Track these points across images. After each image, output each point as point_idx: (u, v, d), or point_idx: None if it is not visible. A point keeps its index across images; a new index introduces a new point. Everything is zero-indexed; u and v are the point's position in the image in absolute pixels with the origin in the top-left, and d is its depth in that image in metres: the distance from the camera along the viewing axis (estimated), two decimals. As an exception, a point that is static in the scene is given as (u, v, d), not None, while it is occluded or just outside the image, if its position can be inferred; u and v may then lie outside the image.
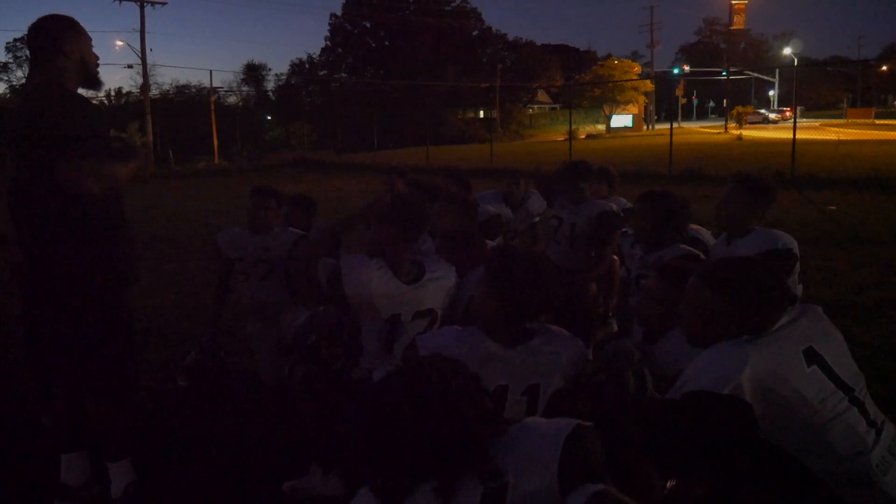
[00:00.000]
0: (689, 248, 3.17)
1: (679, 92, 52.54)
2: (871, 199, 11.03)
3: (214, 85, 45.77)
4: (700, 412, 1.65)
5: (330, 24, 55.11)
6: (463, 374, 1.28)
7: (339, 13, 54.72)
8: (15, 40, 47.26)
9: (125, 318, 2.66)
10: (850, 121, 44.83)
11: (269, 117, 47.95)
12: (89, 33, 2.62)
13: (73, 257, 2.47)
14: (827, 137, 24.72)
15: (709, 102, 76.21)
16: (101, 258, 2.52)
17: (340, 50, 55.32)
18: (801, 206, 10.43)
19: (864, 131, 33.06)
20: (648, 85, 50.70)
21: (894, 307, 5.13)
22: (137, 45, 29.90)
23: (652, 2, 62.23)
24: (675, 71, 45.90)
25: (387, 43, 53.72)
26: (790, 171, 14.06)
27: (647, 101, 53.84)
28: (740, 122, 42.33)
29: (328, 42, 55.25)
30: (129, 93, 43.93)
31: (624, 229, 4.15)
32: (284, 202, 3.91)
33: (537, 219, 5.01)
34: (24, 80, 2.71)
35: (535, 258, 2.06)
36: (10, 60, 48.20)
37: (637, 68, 56.95)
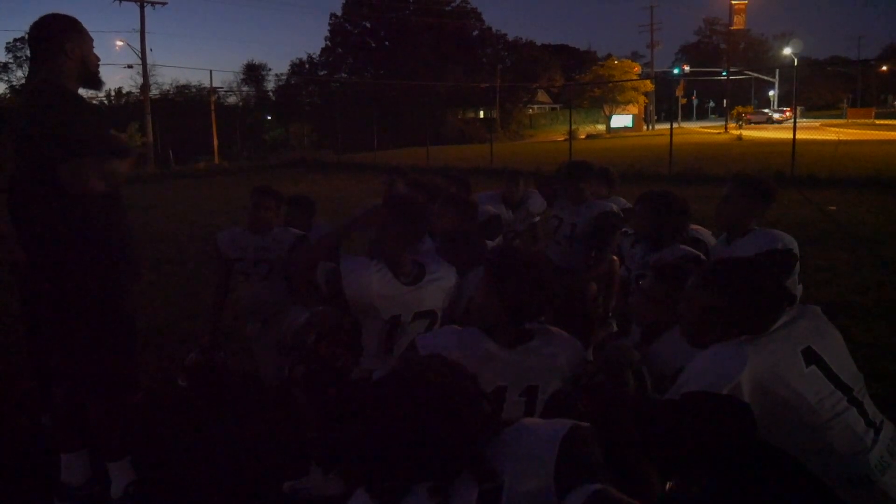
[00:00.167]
0: (689, 249, 3.17)
1: (679, 92, 52.56)
2: (871, 199, 11.03)
3: (214, 85, 45.80)
4: (699, 413, 1.65)
5: (330, 25, 55.18)
6: (460, 374, 1.28)
7: (339, 13, 54.81)
8: (15, 40, 47.37)
9: (125, 318, 2.66)
10: (850, 121, 44.85)
11: (269, 117, 47.92)
12: (90, 33, 2.62)
13: (74, 257, 2.47)
14: (827, 137, 24.74)
15: (709, 102, 76.21)
16: (101, 258, 2.52)
17: (340, 50, 55.33)
18: (801, 206, 10.43)
19: (864, 131, 33.08)
20: (648, 85, 50.71)
21: (894, 307, 5.13)
22: (137, 45, 30.00)
23: (652, 2, 62.21)
24: (675, 71, 45.88)
25: (387, 43, 53.72)
26: (790, 171, 14.07)
27: (647, 101, 53.85)
28: (740, 123, 42.32)
29: (328, 42, 55.30)
30: (129, 93, 44.01)
31: (624, 229, 4.16)
32: (284, 202, 3.91)
33: (537, 218, 5.01)
34: (24, 80, 2.71)
35: (535, 258, 2.06)
36: (10, 60, 48.30)
37: (637, 68, 56.92)
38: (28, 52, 2.61)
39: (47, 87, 2.45)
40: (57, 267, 2.47)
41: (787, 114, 44.22)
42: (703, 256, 3.11)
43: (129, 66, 37.84)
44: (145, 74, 30.65)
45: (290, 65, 58.30)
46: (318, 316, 3.12)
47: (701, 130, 44.39)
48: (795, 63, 35.62)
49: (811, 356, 1.72)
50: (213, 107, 32.37)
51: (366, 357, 2.63)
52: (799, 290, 3.22)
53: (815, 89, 65.33)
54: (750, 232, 3.07)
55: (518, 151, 27.77)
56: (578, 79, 54.06)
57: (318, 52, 57.09)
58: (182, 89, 44.25)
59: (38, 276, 2.51)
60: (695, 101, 69.88)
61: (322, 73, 53.44)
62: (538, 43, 60.56)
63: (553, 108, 58.77)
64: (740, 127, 39.26)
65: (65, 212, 2.42)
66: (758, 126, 43.60)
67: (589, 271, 4.33)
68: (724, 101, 57.71)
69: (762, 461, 1.71)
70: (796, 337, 1.74)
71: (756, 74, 56.11)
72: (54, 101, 2.42)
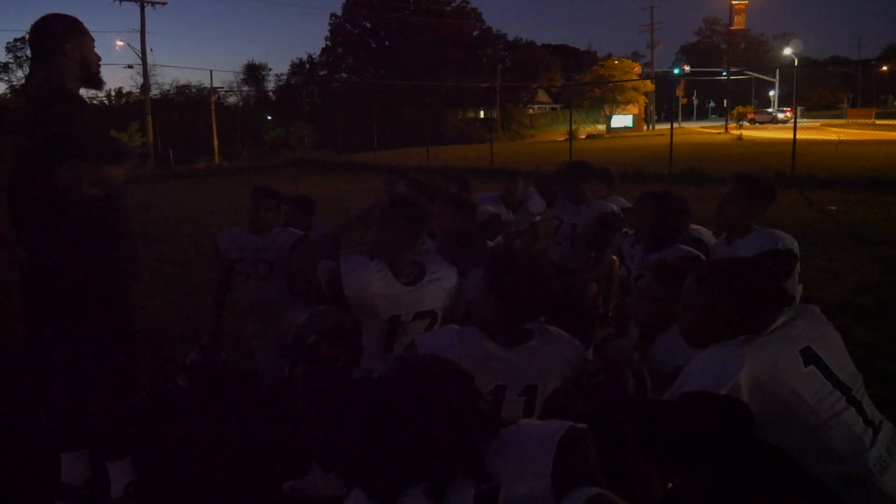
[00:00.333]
0: (689, 249, 3.17)
1: (679, 92, 52.52)
2: (871, 199, 11.03)
3: (215, 85, 45.76)
4: (697, 413, 1.65)
5: (330, 25, 55.22)
6: (457, 374, 1.28)
7: (339, 13, 54.86)
8: (15, 40, 47.31)
9: (126, 318, 2.66)
10: (850, 121, 44.84)
11: (270, 117, 47.94)
12: (91, 34, 2.62)
13: (74, 257, 2.47)
14: (827, 137, 24.73)
15: (709, 102, 76.20)
16: (101, 258, 2.52)
17: (341, 50, 55.33)
18: (801, 206, 10.43)
19: (864, 131, 33.06)
20: (649, 85, 50.68)
21: (894, 307, 5.13)
22: (138, 45, 30.00)
23: (652, 2, 62.19)
24: (676, 71, 45.92)
25: (387, 43, 53.73)
26: (790, 171, 14.07)
27: (647, 101, 53.83)
28: (740, 123, 42.31)
29: (328, 42, 55.33)
30: (129, 93, 43.91)
31: (624, 229, 4.16)
32: (284, 202, 3.91)
33: (538, 218, 5.01)
34: (24, 80, 2.71)
35: (534, 258, 2.06)
36: (11, 60, 48.26)
37: (637, 68, 56.91)
38: (28, 52, 2.61)
39: (47, 88, 2.45)
40: (57, 267, 2.47)
41: (789, 113, 44.22)
42: (703, 256, 3.11)
43: (130, 66, 37.85)
44: (145, 74, 30.67)
45: (291, 65, 58.44)
46: (318, 316, 3.12)
47: (701, 130, 44.39)
48: (796, 63, 35.63)
49: (810, 356, 1.72)
50: (213, 107, 32.38)
51: (366, 357, 2.63)
52: (799, 290, 3.23)
53: (815, 89, 65.34)
54: (750, 232, 3.07)
55: (518, 151, 27.77)
56: (578, 79, 54.05)
57: (318, 52, 57.24)
58: (182, 89, 44.25)
59: (38, 277, 2.51)
60: (695, 101, 69.88)
61: (322, 73, 53.47)
62: (538, 43, 60.74)
63: (553, 108, 58.77)
64: (740, 127, 39.25)
65: (64, 211, 2.42)
66: (761, 126, 43.59)
67: (589, 271, 4.34)
68: (725, 101, 57.71)
69: (762, 461, 1.71)
70: (795, 337, 1.75)
71: (756, 74, 56.08)
72: (54, 102, 2.41)
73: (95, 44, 2.62)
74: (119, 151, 2.61)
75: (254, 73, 49.69)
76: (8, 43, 55.02)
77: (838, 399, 1.70)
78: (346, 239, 3.46)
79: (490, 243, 3.43)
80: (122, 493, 2.72)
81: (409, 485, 1.21)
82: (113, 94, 44.11)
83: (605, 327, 4.03)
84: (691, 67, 55.35)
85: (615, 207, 4.39)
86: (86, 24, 2.60)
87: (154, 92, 36.33)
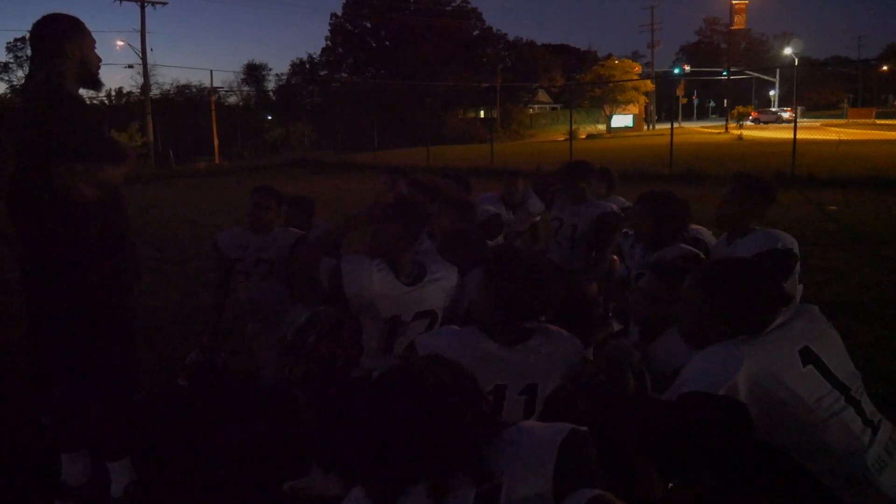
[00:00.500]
0: (690, 248, 3.17)
1: (679, 92, 52.53)
2: (872, 199, 11.03)
3: (215, 85, 45.56)
4: (696, 413, 1.66)
5: (330, 24, 55.18)
6: (458, 374, 1.28)
7: (339, 13, 54.82)
8: (15, 40, 47.42)
9: (126, 318, 2.66)
10: (850, 121, 44.82)
11: (270, 117, 47.89)
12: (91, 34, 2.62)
13: (74, 257, 2.47)
14: (827, 137, 24.73)
15: (709, 102, 76.16)
16: (101, 258, 2.52)
17: (341, 50, 55.32)
18: (801, 206, 10.43)
19: (864, 131, 33.06)
20: (649, 85, 50.67)
21: (894, 307, 5.13)
22: (138, 45, 30.01)
23: (652, 2, 62.22)
24: (676, 71, 45.91)
25: (387, 43, 53.71)
26: (790, 171, 14.07)
27: (647, 101, 53.81)
28: (741, 122, 42.31)
29: (328, 42, 55.29)
30: (129, 93, 43.86)
31: (624, 229, 4.15)
32: (284, 202, 3.91)
33: (538, 219, 5.01)
34: (24, 80, 2.70)
35: (534, 258, 2.06)
36: (11, 60, 48.32)
37: (637, 68, 56.94)
38: (28, 52, 2.61)
39: (47, 88, 2.45)
40: (57, 267, 2.47)
41: (790, 113, 44.24)
42: (702, 256, 3.11)
43: (130, 66, 37.90)
44: (146, 74, 30.67)
45: (291, 65, 58.49)
46: (318, 316, 3.11)
47: (701, 130, 44.38)
48: (796, 63, 35.63)
49: (808, 356, 1.72)
50: (213, 107, 32.38)
51: (366, 357, 2.63)
52: (799, 290, 3.22)
53: (815, 89, 65.33)
54: (750, 232, 3.07)
55: (518, 151, 27.76)
56: (579, 79, 54.05)
57: (318, 52, 57.18)
58: (182, 89, 44.19)
59: (38, 277, 2.51)
60: (695, 101, 69.82)
61: (322, 72, 53.45)
62: (538, 43, 60.67)
63: (553, 108, 58.78)
64: (741, 127, 39.26)
65: (64, 212, 2.42)
66: (762, 126, 43.59)
67: (589, 271, 4.33)
68: (725, 100, 57.69)
69: (761, 461, 1.71)
70: (793, 337, 1.75)
71: (756, 74, 56.07)
72: (53, 102, 2.41)
73: (96, 44, 2.62)
74: (118, 152, 2.61)
75: (254, 72, 49.71)
76: (8, 43, 55.15)
77: (837, 399, 1.70)
78: (347, 238, 3.46)
79: (490, 243, 3.43)
80: (122, 493, 2.72)
81: (410, 484, 1.21)
82: (113, 93, 44.16)
83: (606, 327, 4.04)
84: (691, 67, 55.30)
85: (615, 207, 4.39)
86: (86, 24, 2.60)
87: (154, 92, 36.33)
